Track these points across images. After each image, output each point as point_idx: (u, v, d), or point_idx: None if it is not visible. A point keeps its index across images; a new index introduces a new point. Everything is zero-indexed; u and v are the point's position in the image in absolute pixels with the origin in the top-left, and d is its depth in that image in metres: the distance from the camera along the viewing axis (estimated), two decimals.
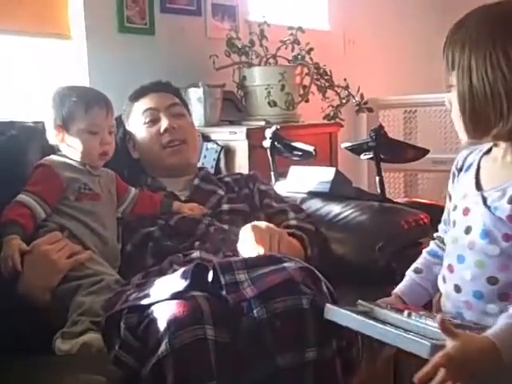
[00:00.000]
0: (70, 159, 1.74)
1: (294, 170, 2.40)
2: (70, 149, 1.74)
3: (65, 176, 1.70)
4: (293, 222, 1.92)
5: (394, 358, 1.94)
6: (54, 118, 1.74)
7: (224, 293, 1.31)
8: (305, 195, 2.28)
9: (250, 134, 2.65)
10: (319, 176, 2.31)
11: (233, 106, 3.13)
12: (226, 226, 1.82)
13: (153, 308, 1.30)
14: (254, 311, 1.28)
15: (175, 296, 1.30)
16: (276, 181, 2.46)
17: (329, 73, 2.99)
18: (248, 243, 1.62)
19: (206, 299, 1.30)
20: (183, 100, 2.21)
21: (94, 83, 2.53)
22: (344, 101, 2.95)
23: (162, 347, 1.23)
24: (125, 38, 2.79)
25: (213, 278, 1.35)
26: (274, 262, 1.37)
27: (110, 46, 2.73)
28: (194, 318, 1.25)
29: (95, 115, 1.74)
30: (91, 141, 1.74)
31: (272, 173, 2.51)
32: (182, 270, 1.39)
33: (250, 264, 1.36)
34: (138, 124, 2.05)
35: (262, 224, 1.68)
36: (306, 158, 2.49)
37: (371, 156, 2.31)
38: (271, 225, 1.70)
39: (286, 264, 1.36)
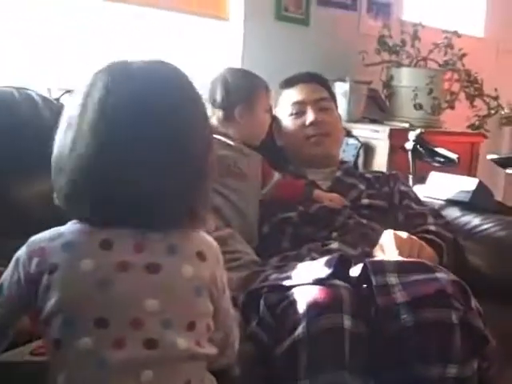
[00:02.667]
0: (228, 137, 1.80)
1: (434, 176, 2.35)
2: (237, 128, 1.81)
3: (217, 153, 1.76)
4: (432, 228, 1.89)
5: None
6: (219, 99, 1.81)
7: (374, 292, 1.30)
8: (443, 202, 2.23)
9: (392, 135, 2.63)
10: (460, 185, 2.25)
11: (375, 105, 3.11)
12: (364, 221, 1.82)
13: (294, 290, 1.32)
14: (401, 317, 1.26)
15: (317, 282, 1.31)
16: (414, 184, 2.42)
17: (479, 81, 2.90)
18: (387, 248, 1.61)
19: (347, 290, 1.31)
20: (332, 93, 2.21)
21: (246, 66, 2.59)
22: (493, 112, 2.86)
23: (299, 330, 1.24)
24: (280, 26, 2.84)
25: (361, 275, 1.35)
26: (427, 270, 1.35)
27: (266, 32, 2.79)
28: (333, 305, 1.26)
29: (267, 95, 1.85)
30: (265, 119, 1.85)
31: (410, 176, 2.48)
32: (326, 258, 1.40)
33: (402, 268, 1.34)
34: (284, 113, 2.09)
35: (404, 233, 1.67)
36: (448, 166, 2.44)
37: None
38: (413, 236, 1.68)
39: (438, 274, 1.32)
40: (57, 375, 0.96)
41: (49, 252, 0.97)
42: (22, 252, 1.01)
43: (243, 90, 1.80)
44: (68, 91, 1.91)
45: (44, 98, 1.82)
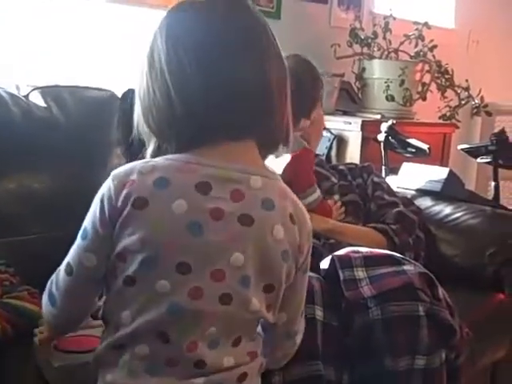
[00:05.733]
0: None
1: (406, 167, 2.38)
2: None
3: None
4: (395, 210, 1.90)
5: (492, 365, 1.91)
6: None
7: (342, 288, 1.31)
8: (414, 192, 2.26)
9: (364, 126, 2.65)
10: (432, 175, 2.29)
11: (348, 97, 3.12)
12: None
13: None
14: (369, 310, 1.27)
15: None
16: (386, 175, 2.45)
17: (450, 72, 2.93)
18: None
19: (318, 281, 1.32)
20: None
21: None
22: (463, 102, 2.88)
23: None
24: None
25: (329, 269, 1.36)
26: (394, 262, 1.35)
27: None
28: (306, 296, 1.27)
29: None
30: None
31: (383, 167, 2.50)
32: None
33: (370, 262, 1.35)
34: None
35: None
36: (419, 156, 2.46)
37: (489, 160, 2.25)
38: None
39: (405, 267, 1.33)
40: (120, 311, 0.92)
41: (138, 185, 0.90)
42: (106, 187, 0.93)
43: None
44: (36, 88, 1.89)
45: (12, 95, 1.80)
